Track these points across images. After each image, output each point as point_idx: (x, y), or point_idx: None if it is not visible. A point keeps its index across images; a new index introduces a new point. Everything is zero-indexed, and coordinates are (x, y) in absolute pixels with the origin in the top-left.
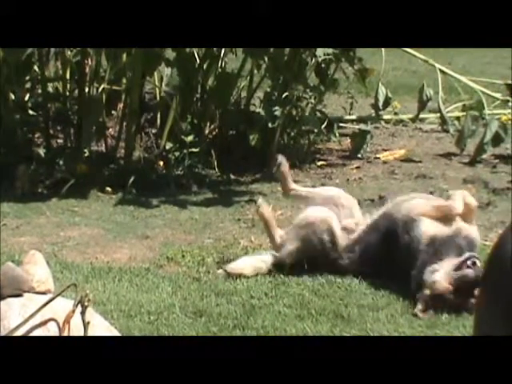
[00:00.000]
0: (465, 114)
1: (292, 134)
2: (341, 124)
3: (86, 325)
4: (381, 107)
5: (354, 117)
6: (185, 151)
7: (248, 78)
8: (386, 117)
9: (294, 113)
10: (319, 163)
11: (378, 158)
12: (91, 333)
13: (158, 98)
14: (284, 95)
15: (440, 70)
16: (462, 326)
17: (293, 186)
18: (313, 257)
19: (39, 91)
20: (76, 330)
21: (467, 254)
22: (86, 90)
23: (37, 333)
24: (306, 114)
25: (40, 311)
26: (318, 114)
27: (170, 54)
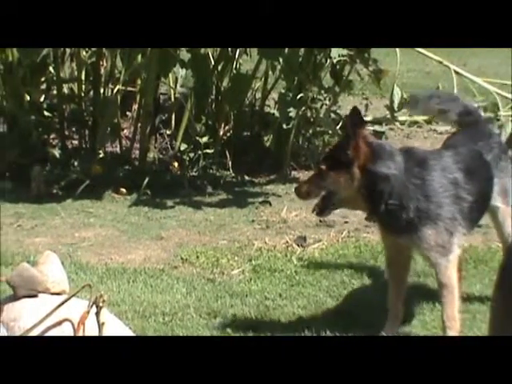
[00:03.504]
0: None
1: (307, 135)
2: None
3: (100, 325)
4: (396, 109)
5: (368, 118)
6: (199, 152)
7: (263, 79)
8: (400, 118)
9: (309, 114)
10: None
11: None
12: (106, 333)
13: (172, 99)
14: (299, 96)
15: (455, 71)
16: (477, 327)
17: None
18: None
19: (54, 92)
20: (91, 330)
21: None
22: (101, 91)
23: (51, 333)
24: (321, 115)
25: (55, 312)
26: (333, 115)
27: (184, 55)
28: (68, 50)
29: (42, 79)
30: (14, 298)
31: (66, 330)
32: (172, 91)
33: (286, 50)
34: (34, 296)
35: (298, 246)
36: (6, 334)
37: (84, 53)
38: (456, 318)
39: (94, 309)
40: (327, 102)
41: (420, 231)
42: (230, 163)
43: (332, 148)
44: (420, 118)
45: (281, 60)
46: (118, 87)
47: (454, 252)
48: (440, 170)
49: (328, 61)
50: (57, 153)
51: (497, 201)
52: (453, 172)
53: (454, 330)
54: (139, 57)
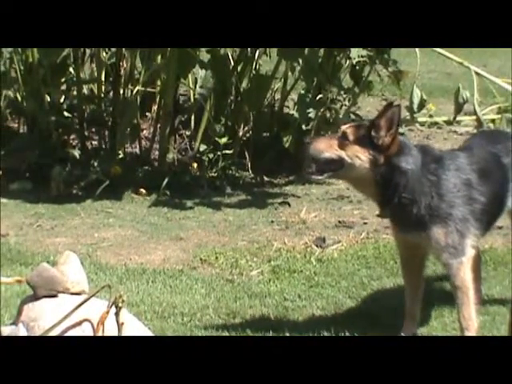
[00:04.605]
0: (500, 116)
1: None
2: None
3: (119, 325)
4: (415, 110)
5: None
6: (218, 153)
7: (282, 79)
8: (420, 119)
9: (328, 115)
10: None
11: None
12: (125, 334)
13: (192, 99)
14: (318, 97)
15: (475, 72)
16: (496, 329)
17: None
18: None
19: (74, 93)
20: (110, 330)
21: None
22: (121, 91)
23: (71, 333)
24: (340, 116)
25: (74, 312)
26: (352, 116)
27: (204, 55)
28: (88, 51)
29: (62, 80)
30: (34, 297)
31: (85, 330)
32: (191, 92)
33: (306, 50)
34: (54, 296)
35: (317, 246)
36: (26, 334)
37: (104, 53)
38: (472, 318)
39: (114, 309)
40: (347, 103)
41: (430, 229)
42: (249, 164)
43: (367, 125)
44: (440, 119)
45: (300, 61)
46: (137, 88)
47: (467, 254)
48: (454, 169)
49: (347, 61)
50: (76, 153)
51: None
52: (466, 173)
53: (471, 331)
54: (159, 57)
